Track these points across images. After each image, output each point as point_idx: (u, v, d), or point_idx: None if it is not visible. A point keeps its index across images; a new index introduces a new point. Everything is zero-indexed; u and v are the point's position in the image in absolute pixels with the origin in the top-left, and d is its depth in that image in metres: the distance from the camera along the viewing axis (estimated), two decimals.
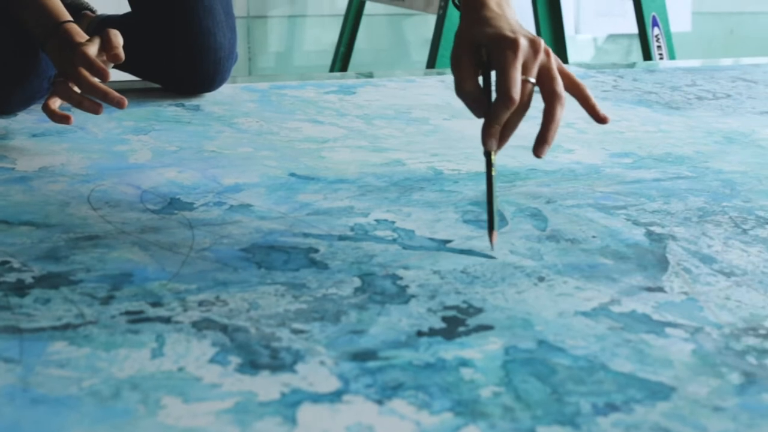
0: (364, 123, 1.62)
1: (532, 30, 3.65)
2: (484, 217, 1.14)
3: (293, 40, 3.75)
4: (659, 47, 3.12)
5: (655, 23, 3.13)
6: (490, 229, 1.05)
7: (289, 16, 3.73)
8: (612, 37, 4.31)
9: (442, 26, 2.91)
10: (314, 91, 1.86)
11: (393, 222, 1.14)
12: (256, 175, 1.31)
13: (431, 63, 2.92)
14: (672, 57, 3.17)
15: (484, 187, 1.12)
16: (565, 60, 3.54)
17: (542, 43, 1.08)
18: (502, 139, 1.06)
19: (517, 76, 1.04)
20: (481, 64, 1.10)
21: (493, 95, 1.06)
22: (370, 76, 2.10)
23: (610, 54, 4.36)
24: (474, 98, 1.09)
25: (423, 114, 1.70)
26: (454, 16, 2.89)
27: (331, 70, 3.47)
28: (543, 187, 1.30)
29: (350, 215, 1.16)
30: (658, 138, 1.61)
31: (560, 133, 1.38)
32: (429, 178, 1.32)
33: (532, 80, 1.06)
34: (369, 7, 3.55)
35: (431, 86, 1.96)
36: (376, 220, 1.14)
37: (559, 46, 3.48)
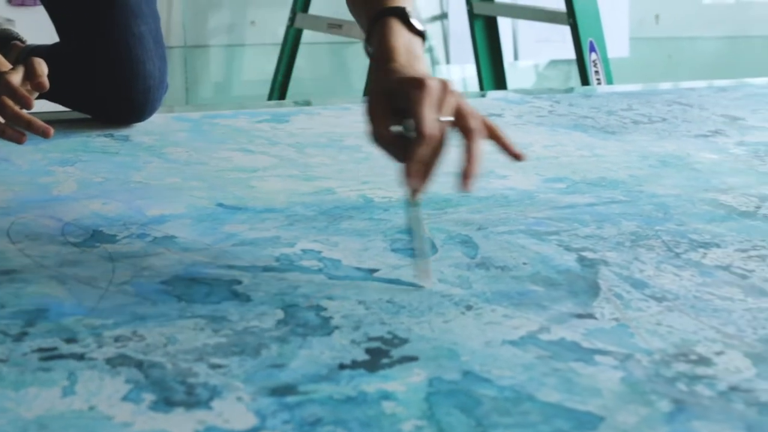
0: (295, 151, 1.60)
1: (469, 57, 3.66)
2: (412, 245, 1.12)
3: (232, 69, 3.73)
4: (597, 72, 3.13)
5: (592, 49, 3.13)
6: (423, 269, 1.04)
7: (227, 46, 3.71)
8: (553, 63, 4.32)
9: None
10: (247, 120, 1.84)
11: (320, 252, 1.12)
12: (182, 206, 1.28)
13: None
14: (610, 82, 3.17)
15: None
16: (503, 86, 3.54)
17: (452, 84, 1.07)
18: (424, 180, 1.03)
19: (429, 114, 1.02)
20: (397, 112, 1.08)
21: None
22: (307, 104, 2.07)
23: (551, 80, 4.38)
24: (389, 143, 1.07)
25: (356, 142, 1.68)
26: None
27: (270, 99, 3.45)
28: (475, 214, 1.28)
29: (276, 245, 1.14)
30: (593, 162, 1.59)
31: (494, 159, 1.37)
32: (359, 206, 1.30)
33: (446, 119, 1.04)
34: (311, 36, 3.53)
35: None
36: (303, 250, 1.12)
37: (498, 72, 3.48)
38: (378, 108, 1.08)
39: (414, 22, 1.19)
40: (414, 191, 1.02)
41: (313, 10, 3.41)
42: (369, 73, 1.14)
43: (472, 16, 3.50)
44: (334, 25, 3.14)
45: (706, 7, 4.89)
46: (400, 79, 1.08)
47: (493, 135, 1.10)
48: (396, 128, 1.06)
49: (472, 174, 1.03)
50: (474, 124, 1.05)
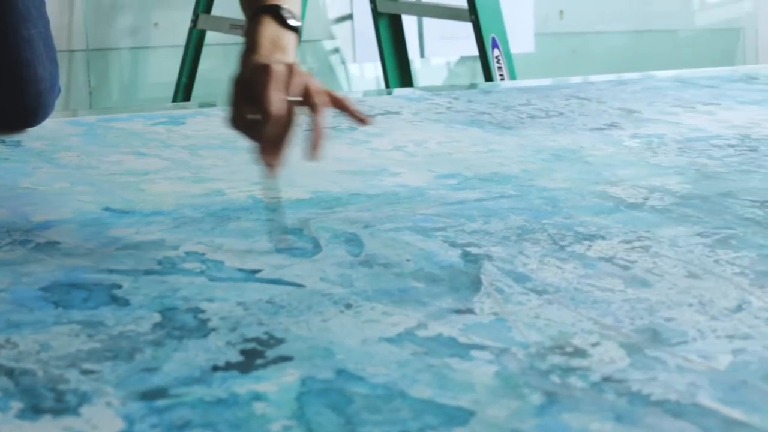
0: (189, 153, 1.59)
1: (376, 56, 3.65)
2: (298, 244, 1.12)
3: (137, 72, 3.69)
4: (500, 68, 3.14)
5: (495, 45, 3.14)
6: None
7: (131, 48, 3.68)
8: (462, 60, 4.33)
9: None
10: (142, 124, 1.82)
11: (203, 254, 1.11)
12: (68, 211, 1.27)
13: None
14: (513, 77, 3.19)
15: (303, 214, 1.20)
16: (409, 83, 3.55)
17: (298, 66, 1.16)
18: (276, 157, 1.11)
19: (272, 95, 1.10)
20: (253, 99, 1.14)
21: None
22: (212, 105, 2.06)
23: (461, 77, 4.39)
24: (245, 127, 1.15)
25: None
26: None
27: (174, 101, 3.42)
28: (363, 212, 1.28)
29: (160, 248, 1.13)
30: (487, 158, 1.60)
31: (388, 157, 1.37)
32: (247, 207, 1.30)
33: (292, 98, 1.12)
34: (219, 37, 3.51)
35: None
36: (186, 253, 1.11)
37: (404, 70, 3.49)
38: (235, 95, 1.15)
39: (286, 16, 1.24)
40: (269, 167, 1.11)
41: (216, 11, 3.39)
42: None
43: (377, 15, 3.50)
44: (236, 26, 3.12)
45: (611, 2, 4.93)
46: (252, 68, 1.15)
47: (339, 105, 1.18)
48: (253, 116, 1.13)
49: (318, 143, 1.12)
50: (319, 99, 1.13)
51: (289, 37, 1.24)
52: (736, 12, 5.42)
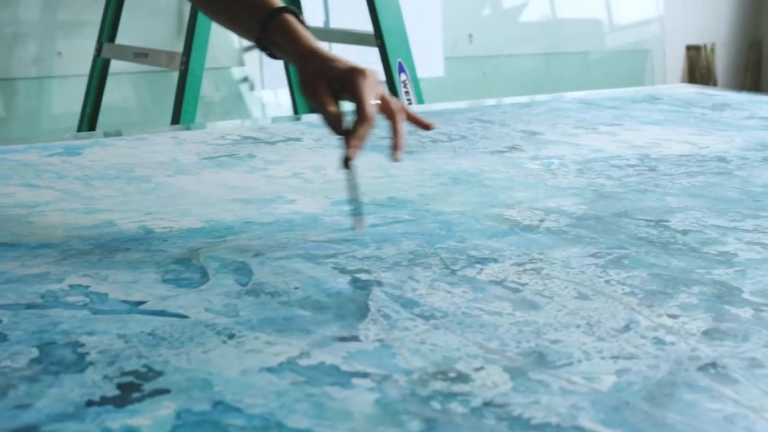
0: (82, 184, 1.57)
1: (285, 82, 3.65)
2: (184, 275, 1.11)
3: (41, 102, 3.65)
4: (407, 93, 3.15)
5: (401, 69, 3.15)
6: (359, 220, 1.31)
7: (35, 78, 3.63)
8: None
9: (185, 82, 2.87)
10: (38, 155, 1.79)
11: (87, 286, 1.09)
12: None
13: (175, 118, 2.87)
14: (420, 101, 3.20)
15: (193, 244, 1.21)
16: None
17: (377, 74, 1.33)
18: (359, 151, 1.29)
19: (369, 99, 1.28)
20: (333, 94, 1.31)
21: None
22: (118, 134, 2.04)
23: None
24: (338, 119, 1.29)
25: (147, 172, 1.65)
26: (197, 70, 2.85)
27: (79, 130, 3.39)
28: (254, 240, 1.26)
29: (44, 282, 1.10)
30: (384, 183, 1.60)
31: (285, 184, 1.36)
32: (138, 237, 1.28)
33: (376, 102, 1.30)
34: (123, 65, 3.48)
35: (162, 143, 1.91)
36: (70, 286, 1.09)
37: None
38: (322, 88, 1.30)
39: (303, 19, 1.42)
40: (348, 159, 1.27)
41: (120, 39, 3.37)
42: (295, 63, 1.36)
43: None
44: (140, 54, 3.11)
45: (522, 25, 4.97)
46: (345, 68, 1.31)
47: (408, 116, 1.38)
48: (346, 110, 1.31)
49: (400, 146, 1.32)
50: (395, 106, 1.32)
51: None
52: (644, 34, 5.50)
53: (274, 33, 1.39)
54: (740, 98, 2.69)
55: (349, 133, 1.28)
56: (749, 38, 6.30)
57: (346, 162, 1.27)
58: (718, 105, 2.54)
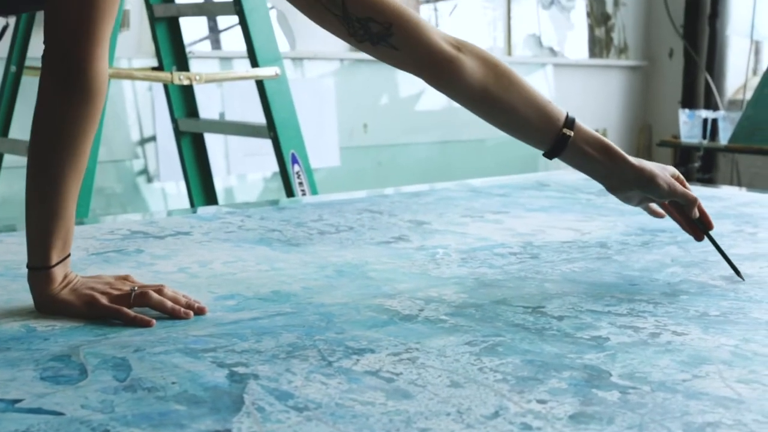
0: None
1: (180, 174, 3.66)
2: (63, 372, 1.12)
3: None
4: (301, 183, 3.18)
5: (294, 160, 3.19)
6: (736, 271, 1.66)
7: None
8: (276, 175, 4.38)
9: None
10: None
11: None
12: None
13: None
14: (314, 192, 3.23)
15: (74, 341, 1.23)
16: (214, 201, 3.56)
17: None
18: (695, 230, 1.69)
19: (679, 187, 1.62)
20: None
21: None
22: (12, 229, 2.03)
23: (274, 192, 4.43)
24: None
25: None
26: (89, 164, 2.86)
27: None
28: (136, 336, 1.28)
29: None
30: (270, 276, 1.62)
31: (170, 279, 1.39)
32: (19, 336, 1.28)
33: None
34: (15, 160, 3.47)
35: None
36: None
37: (208, 188, 3.50)
38: (672, 187, 1.60)
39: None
40: (698, 235, 1.68)
41: (13, 133, 3.37)
42: (620, 166, 1.62)
43: (179, 134, 3.52)
44: None
45: (417, 114, 5.04)
46: (662, 176, 1.60)
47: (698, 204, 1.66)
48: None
49: (711, 226, 1.66)
50: (693, 194, 1.63)
51: None
52: None
53: (580, 140, 1.61)
54: None
55: (701, 214, 1.65)
56: (639, 123, 6.45)
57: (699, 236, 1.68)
58: (604, 190, 2.60)
